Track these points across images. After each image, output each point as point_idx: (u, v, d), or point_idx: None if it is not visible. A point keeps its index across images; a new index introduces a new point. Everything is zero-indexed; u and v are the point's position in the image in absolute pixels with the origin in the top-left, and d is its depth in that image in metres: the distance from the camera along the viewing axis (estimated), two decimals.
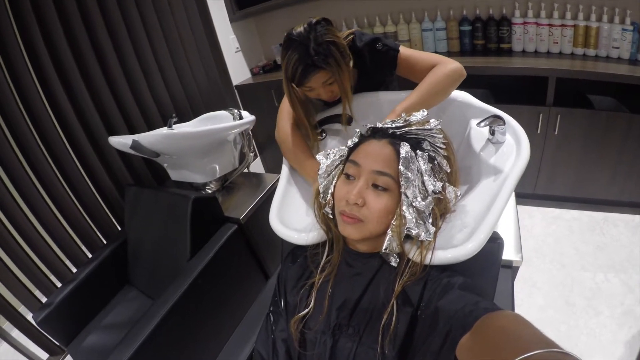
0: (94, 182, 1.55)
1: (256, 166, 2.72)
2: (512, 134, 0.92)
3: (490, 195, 0.82)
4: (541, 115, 1.81)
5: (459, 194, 0.75)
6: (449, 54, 2.21)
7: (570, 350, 0.37)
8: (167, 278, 1.29)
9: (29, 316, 1.42)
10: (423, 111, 0.72)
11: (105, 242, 1.60)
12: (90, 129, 1.51)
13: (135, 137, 1.26)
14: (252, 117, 1.48)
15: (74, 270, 1.51)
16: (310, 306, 0.72)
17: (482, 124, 0.88)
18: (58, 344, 1.46)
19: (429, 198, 0.67)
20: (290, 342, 0.75)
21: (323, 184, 0.76)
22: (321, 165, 0.77)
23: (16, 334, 1.43)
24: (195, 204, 1.27)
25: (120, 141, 1.30)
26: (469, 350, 0.47)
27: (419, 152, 0.67)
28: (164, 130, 1.43)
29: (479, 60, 2.01)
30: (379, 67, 1.08)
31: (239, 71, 2.56)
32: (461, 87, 1.03)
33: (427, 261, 0.66)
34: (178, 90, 1.85)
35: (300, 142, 1.03)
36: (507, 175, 0.82)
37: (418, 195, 0.66)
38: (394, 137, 0.69)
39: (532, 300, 1.71)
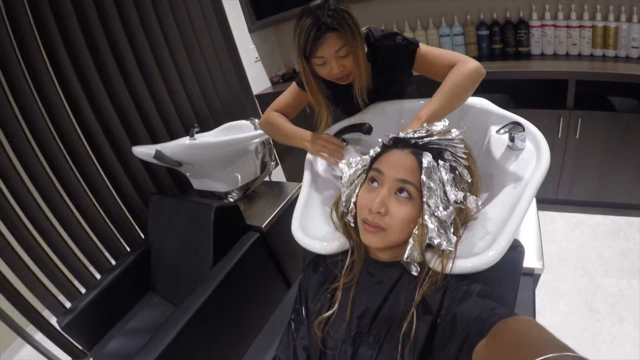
0: (118, 191, 1.60)
1: (277, 174, 2.75)
2: (532, 140, 0.92)
3: (511, 202, 0.82)
4: (562, 119, 1.79)
5: (480, 203, 0.75)
6: None
7: (589, 357, 0.37)
8: (189, 285, 1.32)
9: (52, 320, 1.45)
10: (445, 121, 0.73)
11: (128, 249, 1.64)
12: (114, 139, 1.56)
13: (158, 147, 1.30)
14: None
15: (98, 276, 1.55)
16: (335, 308, 0.73)
17: (502, 131, 0.89)
18: (81, 347, 1.49)
19: (451, 208, 0.68)
20: (311, 349, 0.76)
21: (346, 192, 0.78)
22: (344, 174, 0.79)
23: (40, 337, 1.47)
24: (218, 213, 1.29)
25: (144, 151, 1.34)
26: (485, 356, 0.48)
27: (440, 162, 0.68)
28: (186, 140, 1.47)
29: (498, 64, 2.00)
30: (396, 62, 1.07)
31: (259, 80, 2.60)
32: (480, 92, 1.02)
33: (447, 270, 0.66)
34: (199, 100, 1.90)
35: (281, 119, 1.11)
36: (528, 182, 0.82)
37: (440, 204, 0.67)
38: (416, 147, 0.70)
39: (554, 307, 1.68)
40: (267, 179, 1.68)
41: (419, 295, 0.66)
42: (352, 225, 0.77)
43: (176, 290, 1.47)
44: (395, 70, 1.11)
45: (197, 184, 1.56)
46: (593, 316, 1.63)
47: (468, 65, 0.96)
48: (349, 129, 1.13)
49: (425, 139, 0.71)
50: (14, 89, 1.34)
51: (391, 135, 0.76)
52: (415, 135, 0.71)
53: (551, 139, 1.86)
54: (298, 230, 0.86)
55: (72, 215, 1.48)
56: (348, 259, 0.79)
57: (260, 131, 1.42)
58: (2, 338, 2.05)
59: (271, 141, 1.56)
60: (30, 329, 1.45)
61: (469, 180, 0.73)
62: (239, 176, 1.54)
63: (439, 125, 0.72)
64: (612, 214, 2.03)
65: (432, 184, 0.66)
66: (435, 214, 0.67)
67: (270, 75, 2.74)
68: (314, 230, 0.88)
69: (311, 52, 0.94)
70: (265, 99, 2.56)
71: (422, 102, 1.13)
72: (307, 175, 1.02)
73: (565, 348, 0.37)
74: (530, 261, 1.03)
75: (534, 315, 1.05)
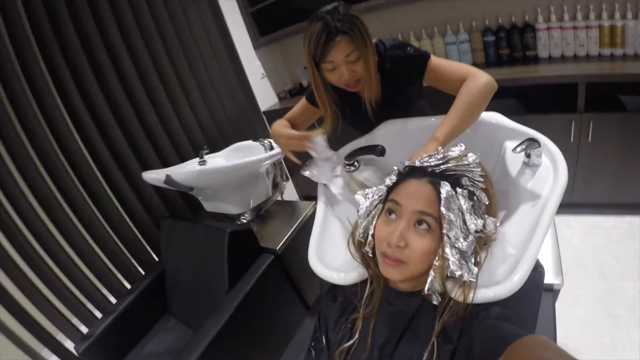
0: (130, 215, 1.61)
1: (289, 191, 2.74)
2: (548, 155, 0.91)
3: (530, 223, 0.81)
4: (573, 122, 1.77)
5: (498, 224, 0.74)
6: (474, 66, 2.18)
7: None
8: (205, 308, 1.32)
9: (66, 343, 1.44)
10: (461, 146, 0.73)
11: (143, 272, 1.64)
12: (124, 164, 1.57)
13: (168, 172, 1.30)
14: None
15: (114, 300, 1.55)
16: (355, 337, 0.73)
17: (518, 149, 0.88)
18: None
19: (471, 237, 0.67)
20: None
21: (363, 224, 0.77)
22: (361, 206, 0.78)
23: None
24: (232, 237, 1.29)
25: (154, 177, 1.34)
26: None
27: (458, 190, 0.68)
28: (196, 166, 1.48)
29: (506, 71, 1.98)
30: (406, 73, 1.07)
31: (266, 97, 2.62)
32: (490, 100, 1.01)
33: (469, 300, 0.66)
34: (207, 119, 1.91)
35: (282, 127, 1.12)
36: (547, 201, 0.81)
37: (460, 235, 0.66)
38: (433, 176, 0.69)
39: (573, 313, 1.66)
40: (279, 198, 1.68)
41: (439, 325, 0.66)
42: (371, 255, 0.76)
43: (192, 314, 1.47)
44: (406, 80, 1.10)
45: (209, 206, 1.56)
46: (612, 321, 1.60)
47: (480, 80, 0.95)
48: (361, 151, 1.12)
49: (442, 166, 0.70)
50: (22, 121, 1.36)
51: (407, 163, 0.74)
52: (432, 162, 0.70)
53: (563, 143, 1.84)
54: (315, 260, 0.85)
55: (85, 242, 1.49)
56: (367, 288, 0.78)
57: (271, 152, 1.42)
58: None
59: (282, 160, 1.56)
60: (45, 352, 1.44)
61: (487, 203, 0.72)
62: (251, 198, 1.54)
63: (455, 151, 0.71)
64: (627, 214, 2.00)
65: (451, 216, 0.65)
66: (456, 245, 0.66)
67: (277, 90, 2.75)
68: (331, 259, 0.87)
69: (321, 56, 0.94)
70: (273, 116, 2.56)
71: (433, 119, 1.12)
72: (321, 202, 1.01)
73: None
74: (549, 277, 1.01)
75: (554, 331, 1.05)
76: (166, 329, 1.52)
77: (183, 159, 1.68)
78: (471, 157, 0.71)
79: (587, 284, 1.73)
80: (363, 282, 0.79)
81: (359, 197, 0.79)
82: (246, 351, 1.30)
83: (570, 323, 1.63)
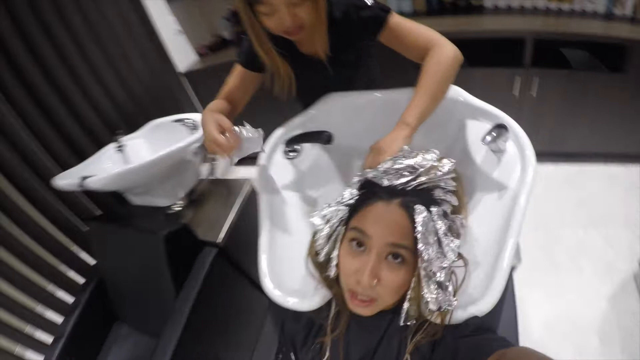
0: (55, 222, 1.37)
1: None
2: (515, 141, 0.83)
3: (499, 221, 0.75)
4: (519, 78, 1.74)
5: (465, 221, 0.66)
6: (414, 14, 2.04)
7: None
8: (156, 313, 1.23)
9: None
10: (433, 152, 0.61)
11: (82, 279, 1.45)
12: (36, 167, 1.29)
13: (85, 181, 1.09)
14: None
15: (59, 319, 1.36)
16: (327, 356, 0.68)
17: (488, 138, 0.79)
18: None
19: (447, 264, 0.58)
20: None
21: (325, 250, 0.66)
22: (318, 229, 0.66)
23: None
24: (168, 240, 1.14)
25: (67, 183, 1.13)
26: None
27: (433, 211, 0.57)
28: (111, 165, 1.29)
29: (449, 21, 1.88)
30: (361, 25, 0.89)
31: (184, 55, 2.27)
32: None
33: (446, 322, 0.61)
34: (120, 95, 1.60)
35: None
36: (516, 197, 0.75)
37: (436, 266, 0.57)
38: (404, 195, 0.58)
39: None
40: (211, 177, 1.51)
41: (412, 345, 0.62)
42: (334, 277, 0.66)
43: (144, 320, 1.35)
44: (358, 35, 0.92)
45: (137, 200, 1.37)
46: (555, 268, 1.70)
47: (448, 52, 0.83)
48: (304, 137, 0.97)
49: (412, 183, 0.58)
50: None
51: (370, 175, 0.62)
52: (402, 181, 0.58)
53: (506, 96, 1.83)
54: (271, 287, 0.74)
55: (6, 266, 1.24)
56: (332, 309, 0.71)
57: (196, 135, 1.23)
58: None
59: None
60: None
61: (456, 204, 0.63)
62: (181, 187, 1.38)
63: (428, 160, 0.59)
64: (564, 162, 2.08)
65: (430, 250, 0.56)
66: (433, 278, 0.57)
67: (196, 46, 2.41)
68: (288, 280, 0.77)
69: None
70: (197, 78, 2.26)
71: (394, 94, 0.98)
72: (264, 215, 0.86)
73: None
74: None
75: (514, 303, 1.06)
76: (121, 338, 1.40)
77: (100, 144, 1.41)
78: (446, 165, 0.59)
79: (529, 234, 1.76)
80: (327, 302, 0.72)
81: (316, 220, 0.66)
82: (216, 351, 1.24)
83: (516, 274, 1.71)
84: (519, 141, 0.82)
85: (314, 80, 1.02)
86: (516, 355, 0.47)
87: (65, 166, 1.32)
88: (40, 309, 1.36)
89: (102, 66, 1.56)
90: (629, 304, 1.52)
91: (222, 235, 1.30)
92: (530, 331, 1.50)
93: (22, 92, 1.28)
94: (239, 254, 1.37)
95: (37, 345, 1.32)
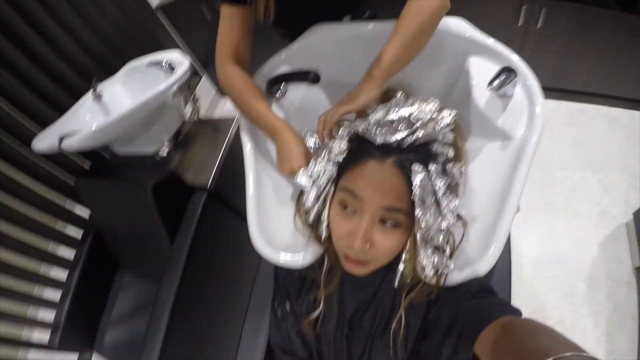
0: (45, 181, 1.32)
1: (204, 89, 2.34)
2: (524, 86, 0.76)
3: (501, 174, 0.71)
4: (525, 7, 1.60)
5: (463, 169, 0.61)
6: None
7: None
8: (154, 260, 1.25)
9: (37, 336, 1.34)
10: (433, 102, 0.54)
11: (80, 232, 1.45)
12: (12, 129, 1.21)
13: (63, 143, 1.02)
14: (187, 62, 1.19)
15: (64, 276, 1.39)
16: (321, 308, 0.69)
17: (495, 84, 0.71)
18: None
19: (445, 225, 0.54)
20: (305, 335, 0.74)
21: (314, 210, 0.61)
22: (306, 191, 0.61)
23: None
24: (157, 192, 1.11)
25: (47, 146, 1.06)
26: (492, 344, 0.46)
27: (431, 168, 0.52)
28: (88, 105, 1.19)
29: None
30: None
31: None
32: None
33: (441, 283, 0.59)
34: (90, 39, 1.45)
35: (250, 91, 0.81)
36: (520, 151, 0.70)
37: (434, 230, 0.53)
38: (399, 152, 0.52)
39: None
40: (195, 119, 1.43)
41: (406, 301, 0.61)
42: (327, 235, 0.62)
43: (143, 267, 1.38)
44: None
45: (121, 150, 1.30)
46: (549, 209, 1.70)
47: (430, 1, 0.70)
48: (289, 76, 0.89)
49: (408, 139, 0.52)
50: None
51: (360, 129, 0.55)
52: (397, 137, 0.52)
53: (510, 27, 1.70)
54: (261, 243, 0.70)
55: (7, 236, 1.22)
56: (325, 264, 0.69)
57: (175, 77, 1.12)
58: None
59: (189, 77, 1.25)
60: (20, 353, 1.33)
61: (453, 155, 0.58)
62: (165, 133, 1.32)
63: (426, 113, 0.53)
64: (566, 99, 1.99)
65: (427, 214, 0.51)
66: (430, 243, 0.54)
67: None
68: (278, 236, 0.73)
69: None
70: (170, 10, 1.97)
71: (389, 25, 0.86)
72: (249, 166, 0.80)
73: (579, 349, 0.37)
74: None
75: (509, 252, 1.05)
76: (124, 287, 1.43)
77: (77, 96, 1.29)
78: (447, 117, 0.53)
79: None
80: (320, 257, 0.70)
81: (303, 180, 0.61)
82: (216, 294, 1.27)
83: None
84: (528, 89, 0.75)
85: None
86: (528, 328, 0.44)
87: (43, 124, 1.23)
88: (44, 268, 1.37)
89: (67, 12, 1.40)
90: (619, 253, 1.54)
91: (211, 177, 1.27)
92: (520, 270, 1.52)
93: None
94: (230, 193, 1.34)
95: (47, 304, 1.35)
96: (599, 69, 1.80)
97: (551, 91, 1.97)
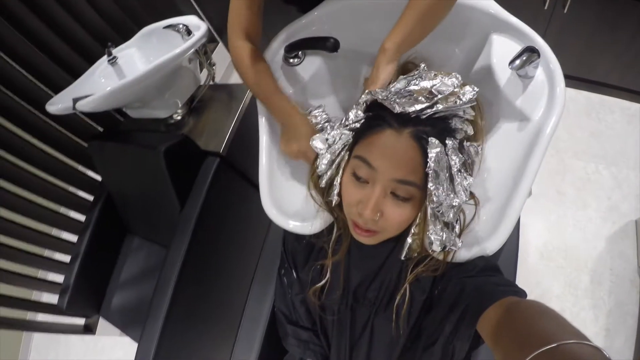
0: (57, 146, 1.34)
1: (221, 56, 2.31)
2: (545, 69, 0.74)
3: (517, 155, 0.70)
4: None
5: (480, 149, 0.61)
6: None
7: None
8: (164, 224, 1.27)
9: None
10: (455, 77, 0.53)
11: (91, 197, 1.48)
12: (28, 94, 1.22)
13: (77, 104, 1.02)
14: (204, 27, 1.17)
15: (74, 238, 1.42)
16: (327, 278, 0.70)
17: (517, 63, 0.69)
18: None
19: (457, 202, 0.54)
20: (309, 304, 0.76)
21: (327, 176, 0.62)
22: (320, 154, 0.61)
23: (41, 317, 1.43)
24: (169, 156, 1.11)
25: (60, 107, 1.07)
26: (494, 323, 0.46)
27: (449, 143, 0.52)
28: (104, 68, 1.21)
29: None
30: None
31: None
32: None
33: (449, 260, 0.60)
34: (106, 2, 1.44)
35: (260, 69, 0.79)
36: (537, 133, 0.69)
37: (446, 206, 0.53)
38: (417, 124, 0.51)
39: None
40: (211, 83, 1.41)
41: (412, 275, 0.62)
42: (337, 203, 0.63)
43: (153, 230, 1.39)
44: None
45: (135, 114, 1.31)
46: (560, 199, 1.68)
47: None
48: (307, 43, 0.85)
49: (428, 111, 0.51)
50: None
51: (380, 96, 0.53)
52: (417, 107, 0.51)
53: (536, 9, 1.64)
54: (272, 208, 0.72)
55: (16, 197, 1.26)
56: (334, 232, 0.70)
57: (190, 41, 1.11)
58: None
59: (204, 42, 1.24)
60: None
61: (471, 134, 0.58)
62: (179, 96, 1.31)
63: (448, 86, 0.52)
64: (587, 89, 1.94)
65: (440, 189, 0.51)
66: (441, 219, 0.54)
67: None
68: (289, 202, 0.74)
69: None
70: None
71: None
72: (264, 136, 0.80)
73: (584, 337, 0.37)
74: None
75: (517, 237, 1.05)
76: (133, 250, 1.45)
77: (92, 60, 1.30)
78: (468, 93, 0.52)
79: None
80: (329, 225, 0.71)
81: (317, 143, 0.61)
82: (224, 258, 1.30)
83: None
84: (550, 72, 0.73)
85: None
86: (533, 311, 0.44)
87: (58, 89, 1.23)
88: (55, 232, 1.42)
89: None
90: (625, 250, 1.53)
91: (224, 143, 1.27)
92: (526, 256, 1.52)
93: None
94: (242, 160, 1.35)
95: (57, 266, 1.39)
96: (622, 61, 1.74)
97: (571, 79, 1.92)
